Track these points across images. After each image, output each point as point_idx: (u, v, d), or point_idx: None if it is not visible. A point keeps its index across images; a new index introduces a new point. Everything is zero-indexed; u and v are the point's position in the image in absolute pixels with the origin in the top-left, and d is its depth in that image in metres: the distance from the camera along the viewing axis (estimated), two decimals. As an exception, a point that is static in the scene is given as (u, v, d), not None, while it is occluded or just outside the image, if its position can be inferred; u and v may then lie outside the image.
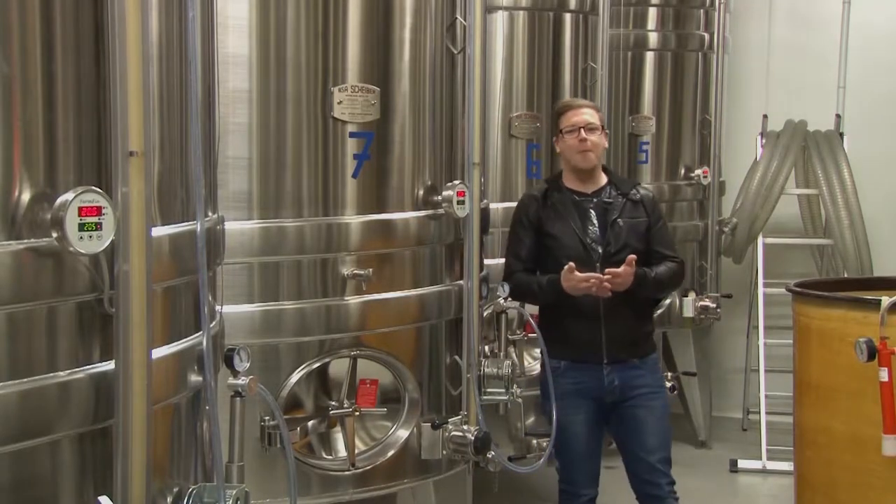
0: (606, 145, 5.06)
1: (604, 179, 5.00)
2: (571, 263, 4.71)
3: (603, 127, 4.97)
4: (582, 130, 4.86)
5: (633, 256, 4.72)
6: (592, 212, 4.92)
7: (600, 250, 4.84)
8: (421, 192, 4.31)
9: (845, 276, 7.54)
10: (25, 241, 2.28)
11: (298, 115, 3.98)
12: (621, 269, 4.70)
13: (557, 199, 4.94)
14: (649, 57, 7.71)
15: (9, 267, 2.24)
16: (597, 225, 4.90)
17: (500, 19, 6.04)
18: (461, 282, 4.52)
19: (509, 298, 5.45)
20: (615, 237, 4.87)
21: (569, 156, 4.94)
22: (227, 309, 3.45)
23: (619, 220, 4.89)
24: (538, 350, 5.90)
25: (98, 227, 2.32)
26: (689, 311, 7.32)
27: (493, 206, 5.54)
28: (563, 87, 6.21)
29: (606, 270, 4.72)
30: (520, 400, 5.10)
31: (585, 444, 4.90)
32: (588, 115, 4.91)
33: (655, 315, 5.32)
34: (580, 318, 4.83)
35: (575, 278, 4.70)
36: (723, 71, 7.94)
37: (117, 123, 2.40)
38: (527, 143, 6.09)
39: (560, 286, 4.75)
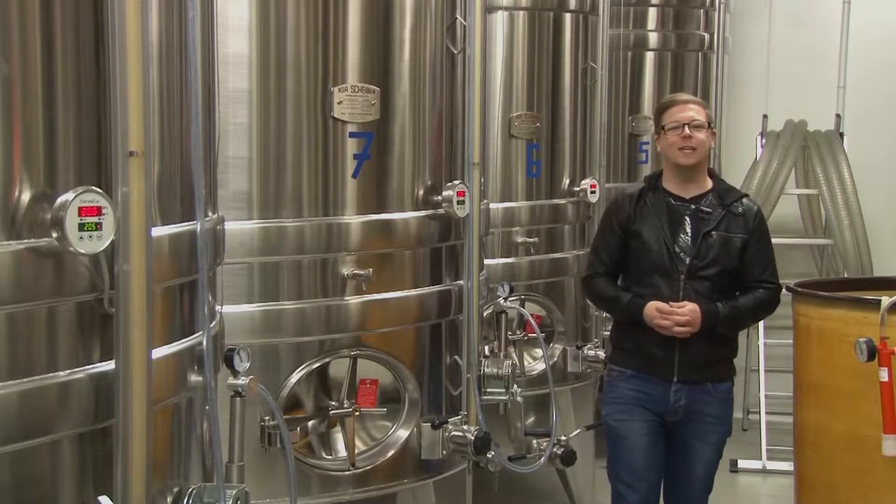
0: (713, 145, 4.67)
1: (708, 185, 4.57)
2: (660, 305, 4.39)
3: (710, 125, 4.54)
4: (686, 127, 4.44)
5: (693, 306, 4.37)
6: (688, 219, 4.50)
7: (687, 262, 4.45)
8: (421, 192, 4.31)
9: (845, 276, 7.54)
10: (25, 241, 2.28)
11: (298, 115, 3.98)
12: (685, 308, 4.37)
13: (652, 199, 4.54)
14: (649, 57, 7.72)
15: (9, 267, 2.24)
16: (689, 234, 4.48)
17: (500, 19, 6.04)
18: (461, 282, 4.52)
19: (509, 299, 5.46)
20: (705, 250, 4.45)
21: (669, 153, 4.52)
22: (227, 309, 3.45)
23: (713, 232, 4.46)
24: (538, 350, 5.92)
25: (98, 227, 2.32)
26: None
27: (493, 206, 5.54)
28: (563, 87, 6.21)
29: (672, 310, 4.37)
30: (520, 400, 5.10)
31: (644, 457, 4.54)
32: (694, 111, 4.50)
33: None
34: (655, 333, 4.45)
35: (656, 315, 4.39)
36: (723, 71, 7.95)
37: (117, 123, 2.40)
38: (527, 143, 6.08)
39: (640, 313, 4.44)
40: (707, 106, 4.68)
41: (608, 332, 5.34)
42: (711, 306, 4.41)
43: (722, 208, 4.50)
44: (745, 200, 4.59)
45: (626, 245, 4.55)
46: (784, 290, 5.39)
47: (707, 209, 4.50)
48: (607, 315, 5.54)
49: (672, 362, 4.46)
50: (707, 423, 4.53)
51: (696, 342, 4.43)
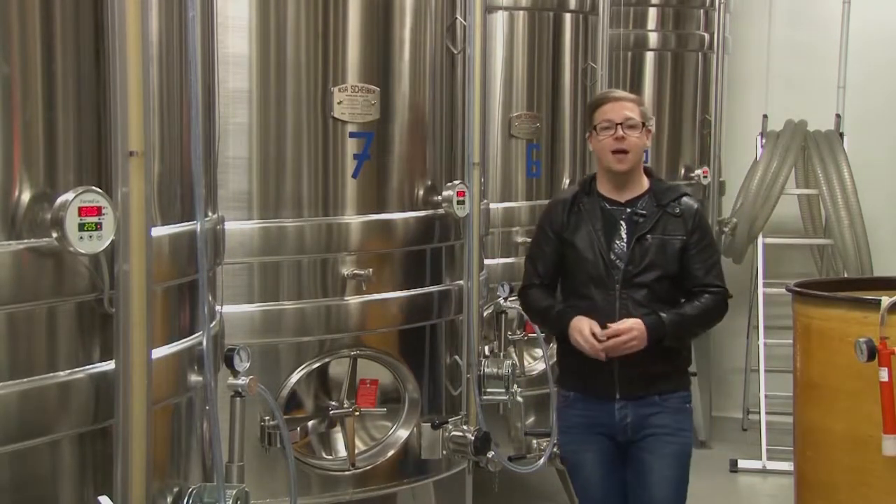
0: (648, 145, 4.30)
1: (644, 186, 4.23)
2: (581, 325, 4.03)
3: (645, 123, 4.21)
4: (619, 128, 4.11)
5: (635, 321, 4.01)
6: (623, 224, 4.17)
7: (622, 270, 4.12)
8: (421, 192, 4.31)
9: (845, 276, 7.54)
10: (25, 241, 2.28)
11: (298, 115, 3.98)
12: (620, 326, 4.01)
13: (587, 205, 4.21)
14: (649, 57, 7.72)
15: (9, 267, 2.24)
16: (625, 240, 4.14)
17: (500, 19, 6.04)
18: (461, 282, 4.51)
19: (509, 299, 5.44)
20: (640, 256, 4.11)
21: (602, 157, 4.18)
22: (227, 309, 3.45)
23: (647, 235, 4.13)
24: (538, 350, 5.92)
25: (98, 227, 2.32)
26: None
27: (493, 206, 5.54)
28: (563, 87, 6.21)
29: (604, 332, 4.02)
30: (520, 400, 5.10)
31: (600, 487, 4.24)
32: (628, 109, 4.16)
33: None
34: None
35: (580, 337, 4.04)
36: (723, 71, 7.96)
37: (117, 123, 2.40)
38: (527, 143, 6.09)
39: (566, 326, 4.10)
40: (642, 102, 4.34)
41: None
42: (653, 317, 4.06)
43: (658, 209, 4.17)
44: (684, 199, 4.23)
45: (561, 253, 4.23)
46: (784, 290, 5.40)
47: (642, 211, 4.17)
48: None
49: (612, 379, 4.13)
50: (659, 435, 4.16)
51: (638, 355, 4.06)
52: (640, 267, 4.11)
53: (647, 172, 4.31)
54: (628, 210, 4.19)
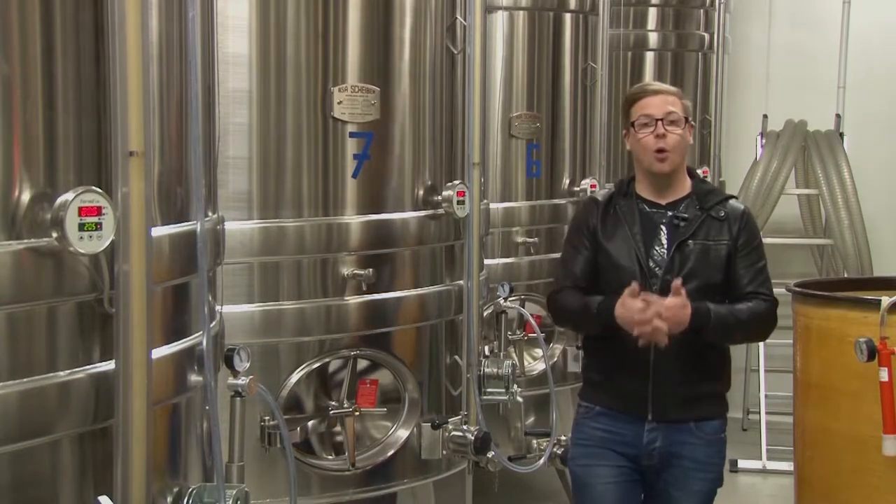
0: (691, 141, 3.88)
1: (687, 188, 3.88)
2: (635, 284, 3.65)
3: (688, 118, 3.83)
4: (660, 124, 3.75)
5: (678, 283, 3.64)
6: (663, 229, 3.81)
7: (660, 279, 3.75)
8: (421, 192, 4.31)
9: (845, 276, 7.54)
10: (25, 241, 2.27)
11: (298, 115, 3.98)
12: (668, 300, 3.62)
13: (623, 207, 3.85)
14: (649, 57, 7.72)
15: (9, 267, 2.24)
16: (666, 246, 3.79)
17: (500, 19, 6.04)
18: (461, 282, 4.51)
19: (509, 298, 5.44)
20: (680, 263, 3.75)
21: (641, 157, 3.82)
22: (227, 309, 3.45)
23: (689, 241, 3.77)
24: (538, 350, 5.92)
25: (98, 227, 2.32)
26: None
27: (493, 206, 5.54)
28: (563, 87, 6.21)
29: (645, 303, 3.62)
30: (520, 400, 5.10)
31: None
32: (669, 102, 3.79)
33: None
34: (625, 364, 3.79)
35: (633, 306, 3.62)
36: (723, 71, 7.96)
37: (117, 123, 2.40)
38: (527, 143, 6.09)
39: (611, 312, 3.67)
40: (683, 95, 3.92)
41: None
42: (700, 304, 3.70)
43: (701, 213, 3.82)
44: (731, 202, 3.90)
45: (595, 260, 3.87)
46: (784, 291, 5.39)
47: (684, 215, 3.82)
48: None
49: (645, 396, 3.77)
50: (689, 470, 3.80)
51: (675, 372, 3.74)
52: (680, 275, 3.72)
53: (690, 173, 3.94)
54: (669, 213, 3.83)
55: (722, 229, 3.82)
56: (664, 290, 3.68)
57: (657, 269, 3.77)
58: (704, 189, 3.92)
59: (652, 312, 3.60)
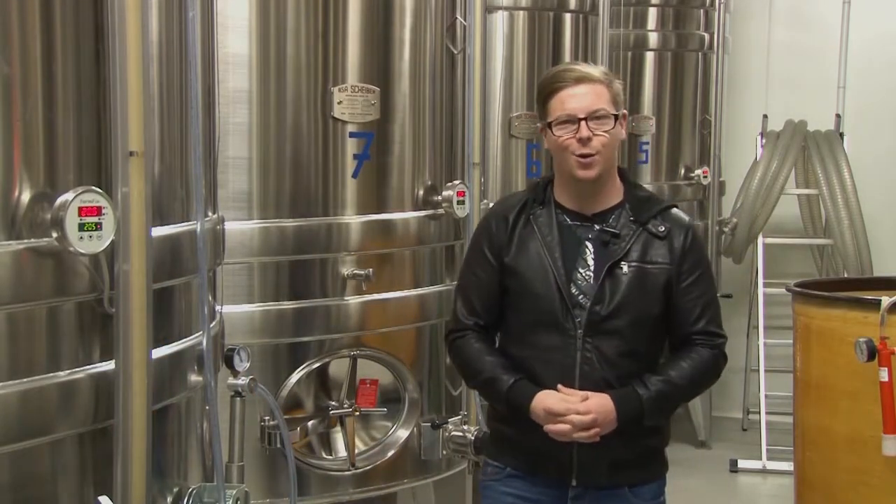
0: (624, 136, 3.16)
1: (619, 195, 3.16)
2: (550, 402, 3.00)
3: (619, 110, 3.10)
4: (584, 124, 3.03)
5: (599, 399, 2.99)
6: (589, 247, 3.11)
7: (587, 310, 3.06)
8: (421, 192, 4.31)
9: (845, 276, 7.54)
10: (25, 241, 2.28)
11: (298, 115, 3.98)
12: (587, 403, 2.98)
13: (540, 218, 3.14)
14: (649, 57, 7.71)
15: (9, 267, 2.24)
16: (592, 268, 3.09)
17: (500, 19, 6.05)
18: (461, 282, 4.51)
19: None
20: (611, 292, 3.05)
21: (561, 160, 3.11)
22: (227, 309, 3.45)
23: (622, 262, 3.07)
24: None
25: (98, 227, 2.32)
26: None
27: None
28: (563, 87, 6.20)
29: (569, 407, 2.98)
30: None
31: None
32: (592, 94, 3.05)
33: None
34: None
35: (547, 419, 3.01)
36: (723, 71, 7.95)
37: (117, 123, 2.40)
38: (527, 143, 6.09)
39: (527, 408, 3.05)
40: (612, 78, 3.14)
41: None
42: (627, 391, 3.03)
43: (637, 226, 3.11)
44: (673, 213, 3.17)
45: (503, 286, 3.16)
46: (784, 290, 5.39)
47: (614, 230, 3.10)
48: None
49: (569, 457, 3.09)
50: None
51: (604, 436, 3.04)
52: (610, 307, 3.05)
53: (622, 175, 3.20)
54: (596, 227, 3.12)
55: (661, 249, 3.11)
56: (591, 326, 3.05)
57: (582, 297, 3.07)
58: (640, 196, 3.19)
59: (570, 426, 2.99)
